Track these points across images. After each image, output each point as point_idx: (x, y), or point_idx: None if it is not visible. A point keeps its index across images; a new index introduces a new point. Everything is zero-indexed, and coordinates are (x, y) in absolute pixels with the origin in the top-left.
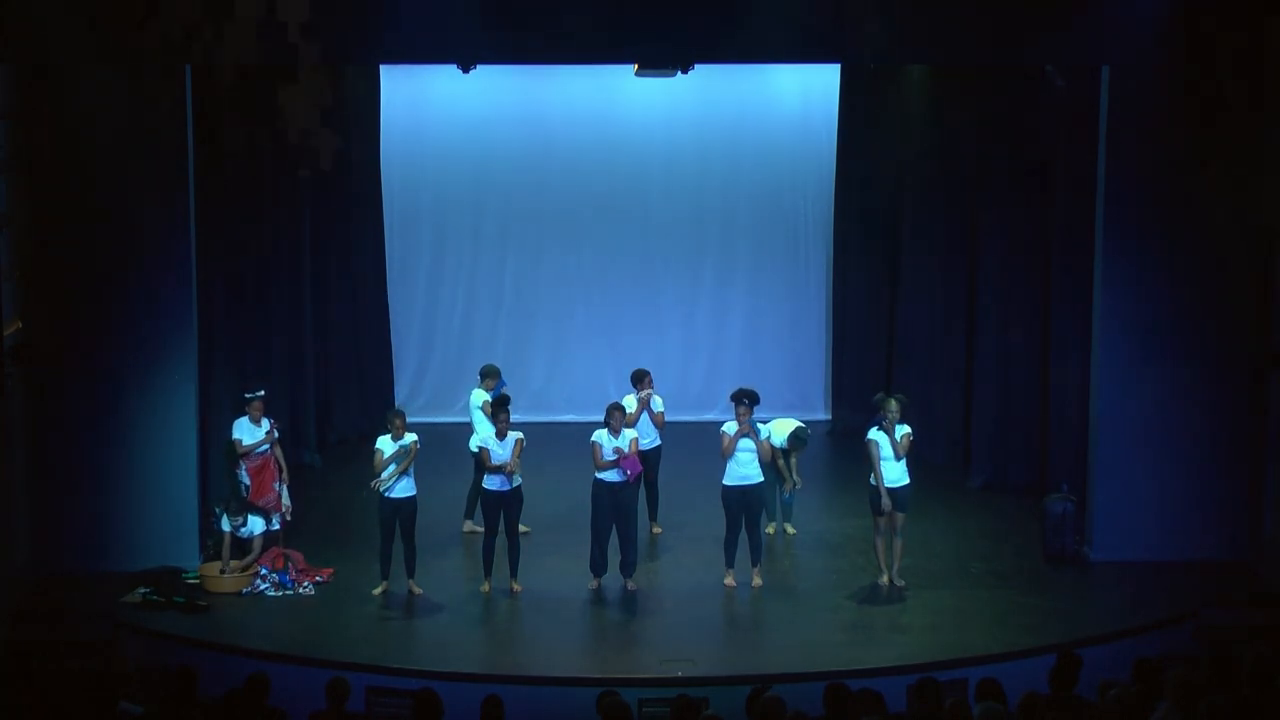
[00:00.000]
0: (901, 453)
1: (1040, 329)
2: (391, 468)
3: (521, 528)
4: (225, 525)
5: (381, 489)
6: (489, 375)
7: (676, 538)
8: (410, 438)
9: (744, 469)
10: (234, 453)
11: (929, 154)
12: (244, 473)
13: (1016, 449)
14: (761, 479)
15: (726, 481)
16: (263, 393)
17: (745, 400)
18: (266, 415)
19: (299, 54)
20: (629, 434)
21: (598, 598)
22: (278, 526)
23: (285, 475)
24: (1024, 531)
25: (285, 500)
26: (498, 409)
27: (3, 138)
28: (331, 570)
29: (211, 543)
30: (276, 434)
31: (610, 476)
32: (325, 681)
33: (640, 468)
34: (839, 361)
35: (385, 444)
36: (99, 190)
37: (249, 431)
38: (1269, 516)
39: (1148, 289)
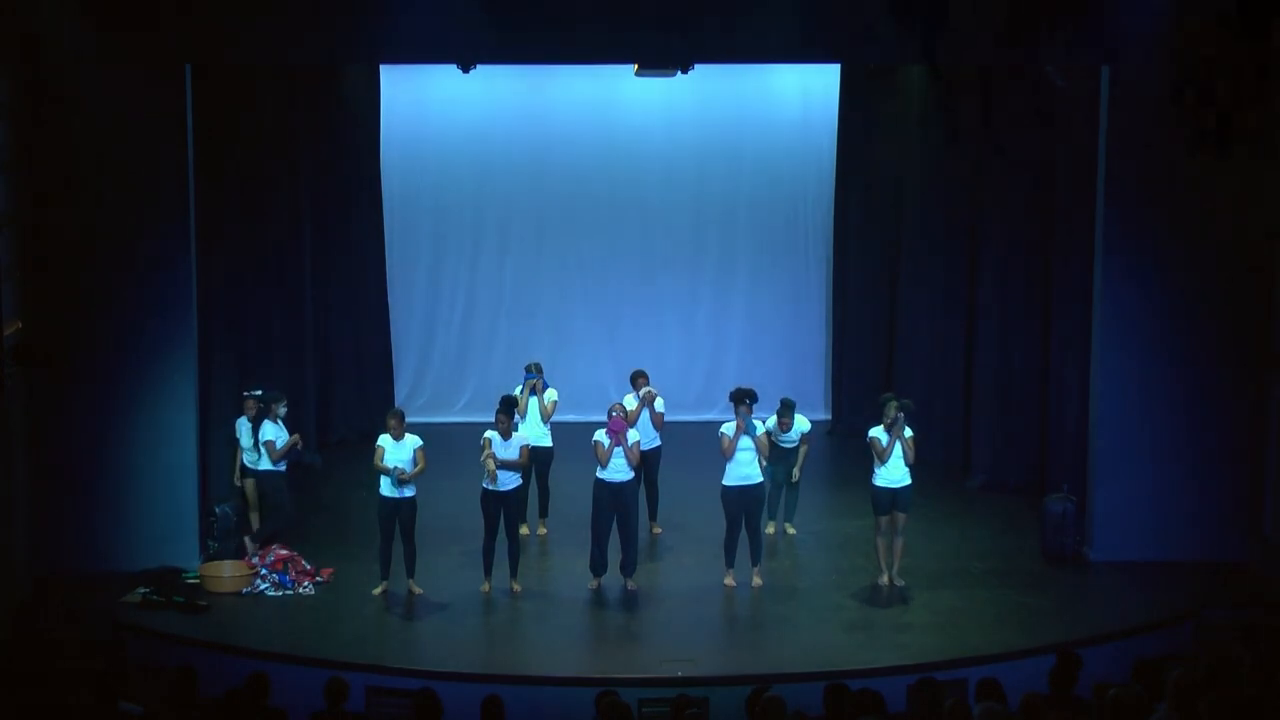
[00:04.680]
0: (910, 458)
1: (1040, 329)
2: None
3: (523, 529)
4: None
5: (382, 489)
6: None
7: (676, 538)
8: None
9: (744, 469)
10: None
11: (929, 155)
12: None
13: (1016, 449)
14: (762, 479)
15: (726, 482)
16: (259, 392)
17: (747, 401)
18: (285, 425)
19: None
20: (631, 435)
21: (598, 598)
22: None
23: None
24: (1024, 531)
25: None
26: (499, 410)
27: (3, 138)
28: (331, 570)
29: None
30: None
31: (611, 476)
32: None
33: (624, 425)
34: (839, 361)
35: (386, 442)
36: (99, 190)
37: (244, 430)
38: (1269, 516)
39: (1148, 289)
